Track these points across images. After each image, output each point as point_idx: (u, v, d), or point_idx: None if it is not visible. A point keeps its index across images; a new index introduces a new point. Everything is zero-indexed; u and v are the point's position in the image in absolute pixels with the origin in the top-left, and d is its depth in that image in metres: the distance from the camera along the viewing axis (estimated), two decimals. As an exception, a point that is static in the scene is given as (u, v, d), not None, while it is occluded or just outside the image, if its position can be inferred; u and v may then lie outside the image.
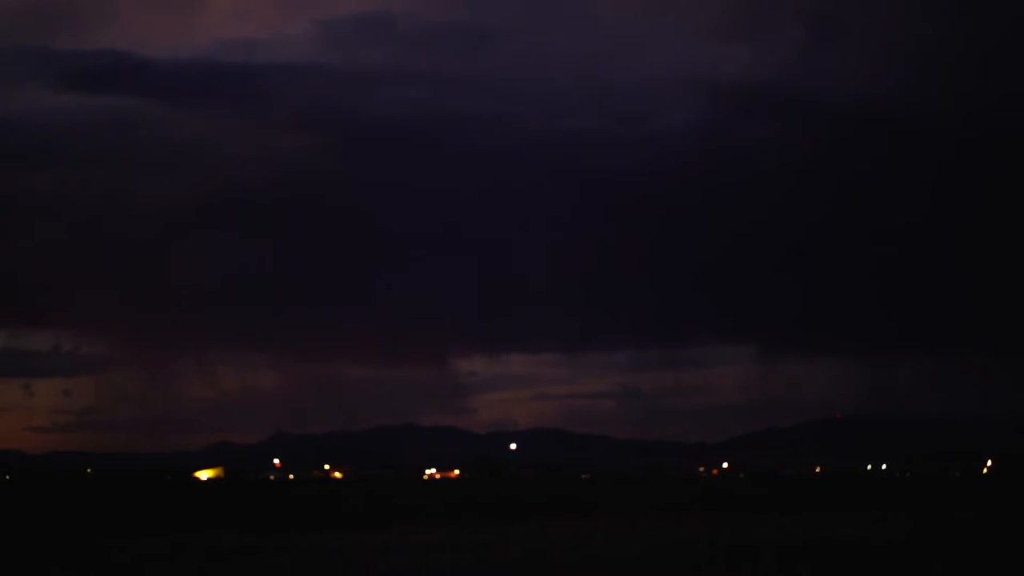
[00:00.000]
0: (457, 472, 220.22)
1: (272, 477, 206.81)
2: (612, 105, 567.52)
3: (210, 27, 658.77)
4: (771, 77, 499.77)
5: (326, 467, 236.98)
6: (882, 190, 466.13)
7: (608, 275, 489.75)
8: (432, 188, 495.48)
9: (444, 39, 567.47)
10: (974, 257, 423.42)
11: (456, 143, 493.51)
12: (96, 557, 53.98)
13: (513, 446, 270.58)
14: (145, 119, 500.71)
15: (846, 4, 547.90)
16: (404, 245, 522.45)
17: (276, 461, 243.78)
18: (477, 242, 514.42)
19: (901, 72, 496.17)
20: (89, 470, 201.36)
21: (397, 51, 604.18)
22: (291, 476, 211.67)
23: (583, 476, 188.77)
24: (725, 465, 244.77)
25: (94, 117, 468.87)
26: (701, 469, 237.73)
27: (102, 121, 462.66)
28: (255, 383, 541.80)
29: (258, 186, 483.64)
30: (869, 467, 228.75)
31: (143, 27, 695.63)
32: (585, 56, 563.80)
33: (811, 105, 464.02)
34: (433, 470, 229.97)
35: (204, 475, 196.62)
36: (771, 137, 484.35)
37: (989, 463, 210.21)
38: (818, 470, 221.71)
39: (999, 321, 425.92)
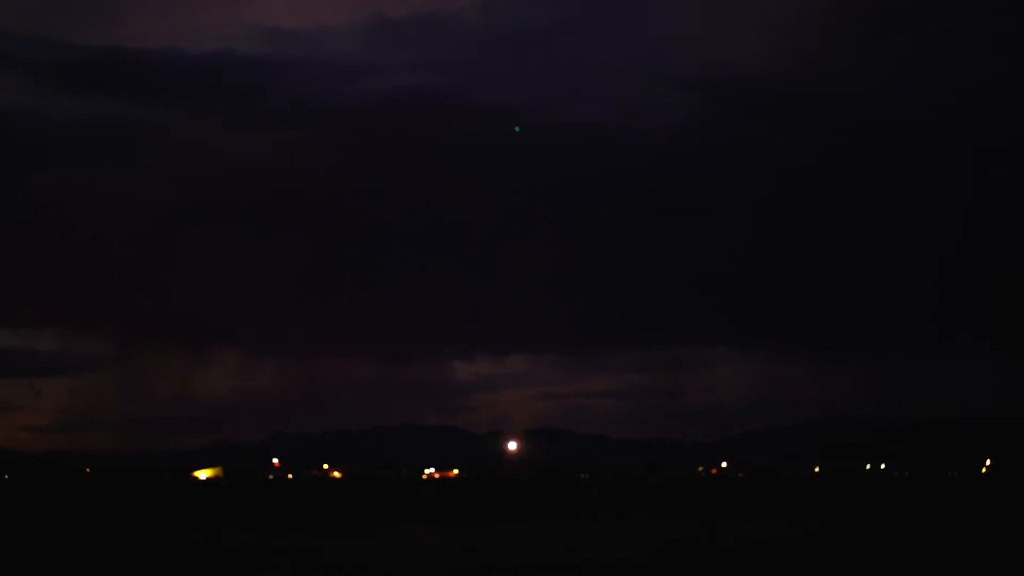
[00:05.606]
0: (456, 472, 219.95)
1: (271, 477, 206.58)
2: (615, 100, 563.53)
3: (258, 17, 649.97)
4: (774, 76, 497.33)
5: (324, 467, 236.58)
6: (887, 192, 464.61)
7: (609, 274, 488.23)
8: (431, 185, 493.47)
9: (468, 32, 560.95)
10: (974, 259, 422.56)
11: (457, 138, 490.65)
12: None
13: (513, 446, 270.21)
14: (148, 116, 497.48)
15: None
16: (405, 243, 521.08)
17: (275, 461, 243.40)
18: (478, 240, 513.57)
19: (923, 75, 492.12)
20: (88, 469, 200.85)
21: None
22: (290, 476, 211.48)
23: (583, 476, 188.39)
24: (725, 465, 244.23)
25: (97, 114, 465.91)
26: (700, 469, 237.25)
27: (104, 119, 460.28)
28: (255, 383, 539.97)
29: (258, 184, 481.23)
30: (868, 467, 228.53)
31: (177, 17, 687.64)
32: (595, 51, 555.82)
33: (821, 105, 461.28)
34: (432, 470, 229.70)
35: (203, 475, 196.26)
36: (775, 137, 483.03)
37: (988, 463, 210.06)
38: (817, 470, 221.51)
39: (1000, 322, 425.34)
